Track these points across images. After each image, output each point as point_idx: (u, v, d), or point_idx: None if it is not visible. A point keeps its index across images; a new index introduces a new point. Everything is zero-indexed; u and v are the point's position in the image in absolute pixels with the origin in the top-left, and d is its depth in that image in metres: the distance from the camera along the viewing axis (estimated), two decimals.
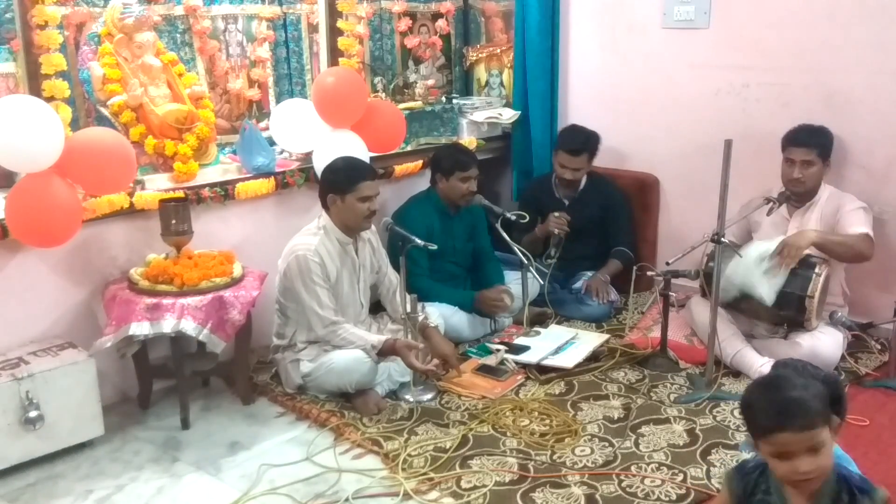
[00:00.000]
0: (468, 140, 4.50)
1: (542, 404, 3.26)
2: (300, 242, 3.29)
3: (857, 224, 3.48)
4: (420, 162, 4.25)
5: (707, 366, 3.40)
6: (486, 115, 4.61)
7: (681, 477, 2.75)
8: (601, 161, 4.44)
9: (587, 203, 4.27)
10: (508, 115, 4.63)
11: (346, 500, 2.69)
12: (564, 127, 4.46)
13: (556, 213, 4.12)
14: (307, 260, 3.23)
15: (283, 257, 3.32)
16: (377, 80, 4.55)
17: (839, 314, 3.48)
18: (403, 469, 2.83)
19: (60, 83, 3.15)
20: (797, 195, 3.60)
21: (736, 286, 3.41)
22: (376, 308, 3.67)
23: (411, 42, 4.73)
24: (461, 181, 3.87)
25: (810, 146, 3.54)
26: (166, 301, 3.02)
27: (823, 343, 3.38)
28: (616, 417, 3.17)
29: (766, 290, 3.34)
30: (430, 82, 4.75)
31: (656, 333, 3.69)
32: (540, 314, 4.08)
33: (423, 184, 4.12)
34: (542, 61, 4.55)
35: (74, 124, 3.30)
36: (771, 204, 3.54)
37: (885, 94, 3.67)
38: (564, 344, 3.70)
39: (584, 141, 4.21)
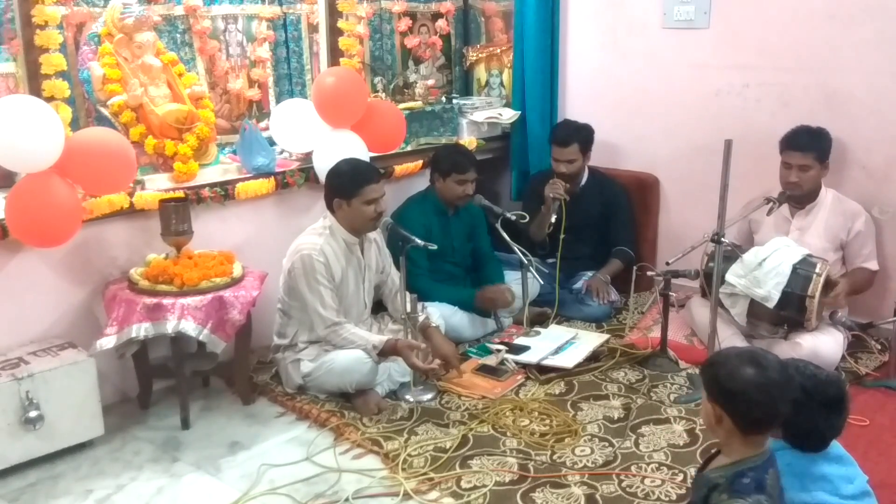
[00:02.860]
0: (468, 140, 4.50)
1: (542, 404, 3.26)
2: (305, 242, 3.29)
3: (870, 259, 3.64)
4: (420, 162, 4.25)
5: None
6: (486, 115, 4.61)
7: (681, 477, 2.75)
8: (602, 161, 4.45)
9: (588, 199, 4.26)
10: (508, 115, 4.63)
11: (346, 500, 2.69)
12: (557, 122, 4.47)
13: (552, 180, 4.12)
14: (312, 259, 3.23)
15: (287, 256, 3.32)
16: (377, 80, 4.55)
17: (839, 314, 3.48)
18: (403, 469, 2.83)
19: (60, 83, 3.16)
20: (795, 198, 3.61)
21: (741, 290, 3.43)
22: (377, 308, 3.67)
23: (411, 42, 4.73)
24: (457, 183, 3.87)
25: (808, 150, 3.55)
26: (166, 301, 3.02)
27: (824, 343, 3.38)
28: (616, 417, 3.17)
29: (769, 290, 3.35)
30: (430, 82, 4.75)
31: (656, 333, 3.69)
32: (540, 314, 4.08)
33: (423, 184, 4.12)
34: (541, 61, 4.55)
35: (74, 124, 3.30)
36: (771, 204, 3.54)
37: (885, 94, 3.67)
38: (564, 344, 3.70)
39: (572, 131, 4.20)
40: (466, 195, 3.90)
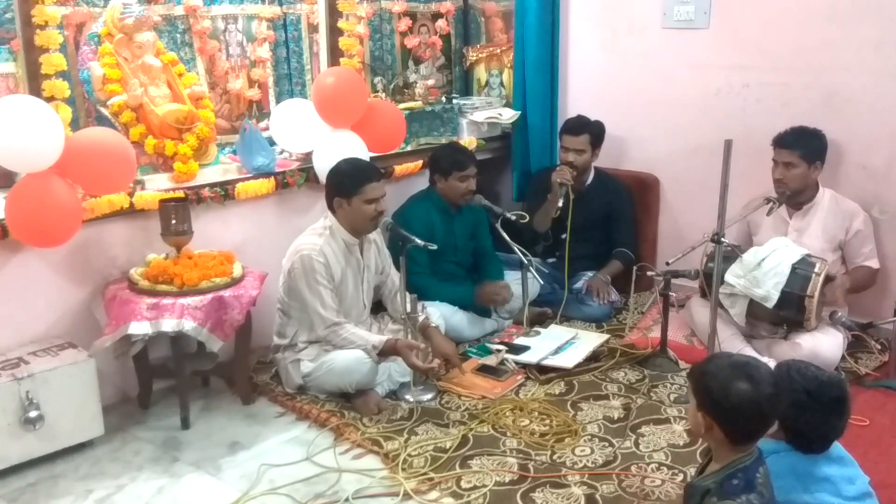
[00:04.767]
0: (468, 140, 4.50)
1: (542, 404, 3.26)
2: (305, 242, 3.29)
3: (871, 257, 3.65)
4: (420, 162, 4.25)
5: None
6: (486, 115, 4.61)
7: (681, 477, 2.75)
8: (602, 161, 4.44)
9: (593, 198, 4.27)
10: (508, 115, 4.63)
11: (346, 500, 2.69)
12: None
13: (559, 167, 4.15)
14: (312, 260, 3.23)
15: (287, 256, 3.32)
16: (377, 80, 4.55)
17: (839, 314, 3.48)
18: (403, 469, 2.83)
19: (60, 83, 3.15)
20: (784, 196, 3.62)
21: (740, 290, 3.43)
22: (377, 308, 3.67)
23: (411, 42, 4.73)
24: (460, 181, 3.87)
25: (793, 148, 3.59)
26: (166, 301, 3.02)
27: (824, 343, 3.38)
28: (616, 417, 3.17)
29: (768, 290, 3.35)
30: (430, 82, 4.75)
31: (656, 333, 3.69)
32: (540, 314, 4.08)
33: (422, 183, 4.12)
34: (541, 61, 4.55)
35: (74, 124, 3.30)
36: (771, 204, 3.55)
37: (885, 95, 3.67)
38: (564, 344, 3.70)
39: (585, 122, 4.24)
40: (470, 191, 3.91)
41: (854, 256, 3.66)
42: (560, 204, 4.09)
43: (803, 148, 3.58)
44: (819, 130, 3.64)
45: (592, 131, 4.23)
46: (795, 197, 3.65)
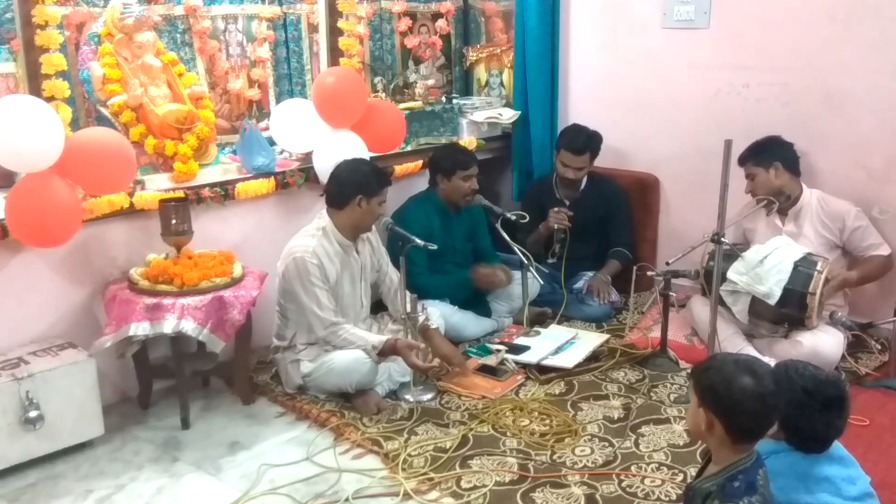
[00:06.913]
0: (468, 140, 4.50)
1: (542, 404, 3.26)
2: (298, 244, 3.29)
3: (878, 246, 3.64)
4: (420, 162, 4.25)
5: None
6: (486, 115, 4.61)
7: (681, 477, 2.75)
8: (602, 161, 4.44)
9: (588, 203, 4.27)
10: (508, 115, 4.63)
11: (346, 500, 2.69)
12: (567, 126, 4.45)
13: (556, 209, 4.14)
14: (305, 262, 3.23)
15: (281, 259, 3.32)
16: (377, 80, 4.55)
17: (839, 314, 3.48)
18: (403, 469, 2.83)
19: (60, 83, 3.16)
20: (777, 198, 3.63)
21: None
22: (377, 308, 3.67)
23: (411, 42, 4.73)
24: (463, 180, 3.88)
25: (745, 162, 3.68)
26: (166, 301, 3.02)
27: (824, 342, 3.38)
28: (616, 417, 3.17)
29: (771, 287, 3.35)
30: (430, 82, 4.75)
31: (656, 333, 3.69)
32: (540, 314, 4.08)
33: (422, 184, 4.12)
34: (542, 61, 4.55)
35: (74, 124, 3.30)
36: (766, 202, 3.55)
37: (885, 94, 3.66)
38: (564, 344, 3.70)
39: (586, 140, 4.22)
40: (473, 191, 3.91)
41: (860, 251, 3.65)
42: (557, 250, 4.18)
43: (753, 157, 3.66)
44: (772, 136, 3.69)
45: (593, 147, 4.23)
46: (778, 202, 3.65)
